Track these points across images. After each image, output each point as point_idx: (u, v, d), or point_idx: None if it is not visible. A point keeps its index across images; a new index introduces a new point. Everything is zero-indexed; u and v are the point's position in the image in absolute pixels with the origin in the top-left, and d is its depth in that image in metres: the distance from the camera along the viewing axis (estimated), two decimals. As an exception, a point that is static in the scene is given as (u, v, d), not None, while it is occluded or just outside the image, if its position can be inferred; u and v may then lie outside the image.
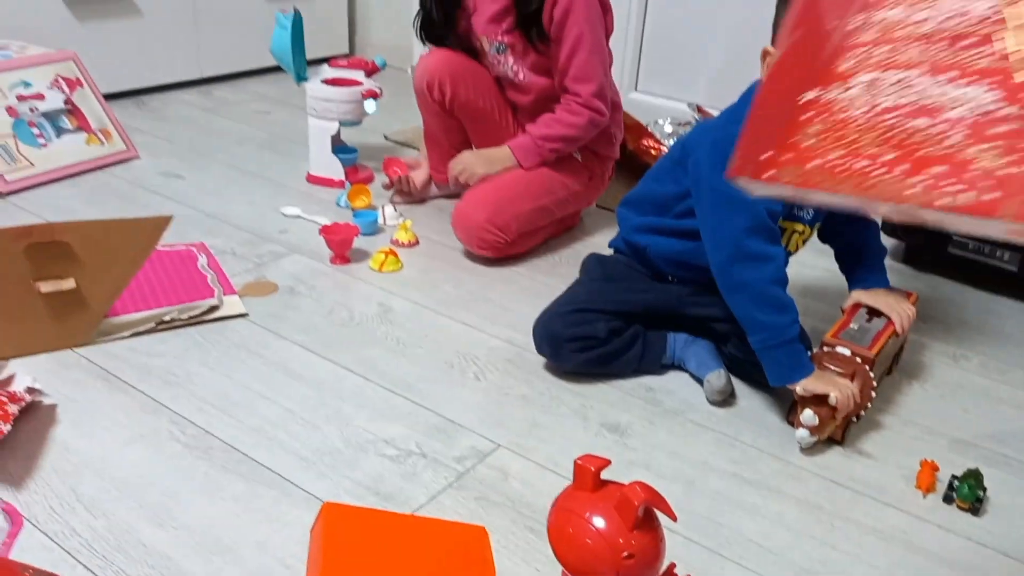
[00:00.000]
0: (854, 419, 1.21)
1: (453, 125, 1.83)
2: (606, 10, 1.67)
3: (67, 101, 1.97)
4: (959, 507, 1.10)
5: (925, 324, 1.57)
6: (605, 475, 0.79)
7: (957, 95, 0.46)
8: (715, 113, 2.23)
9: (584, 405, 1.27)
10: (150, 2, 2.44)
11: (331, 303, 1.50)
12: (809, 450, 1.20)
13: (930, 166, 0.46)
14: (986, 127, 0.46)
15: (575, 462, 0.77)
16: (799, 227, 1.31)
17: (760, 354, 1.20)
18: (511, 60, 1.71)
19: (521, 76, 1.72)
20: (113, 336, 1.33)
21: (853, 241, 1.38)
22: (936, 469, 1.14)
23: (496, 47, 1.71)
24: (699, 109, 2.19)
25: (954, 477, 1.13)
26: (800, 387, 1.17)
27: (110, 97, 2.25)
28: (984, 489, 1.11)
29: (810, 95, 0.51)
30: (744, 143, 0.55)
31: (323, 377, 1.29)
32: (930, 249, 1.72)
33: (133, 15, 2.41)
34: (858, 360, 1.20)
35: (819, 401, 1.16)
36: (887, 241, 1.84)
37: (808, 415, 1.16)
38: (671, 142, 2.04)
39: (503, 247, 1.64)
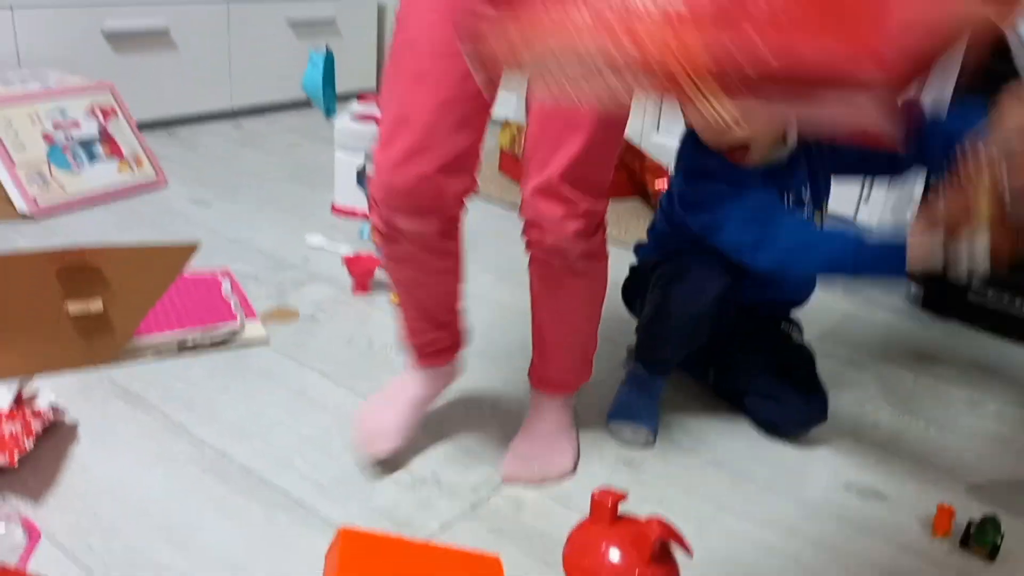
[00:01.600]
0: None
1: None
2: None
3: (101, 129, 2.02)
4: (976, 552, 1.10)
5: (942, 368, 1.56)
6: (622, 509, 0.80)
7: None
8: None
9: (600, 438, 1.27)
10: (186, 37, 2.51)
11: (351, 331, 1.52)
12: (825, 490, 1.20)
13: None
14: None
15: (592, 495, 0.78)
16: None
17: (871, 273, 1.15)
18: None
19: None
20: (137, 357, 1.36)
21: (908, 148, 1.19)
22: (952, 514, 1.14)
23: None
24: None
25: (971, 522, 1.12)
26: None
27: (143, 126, 2.30)
28: (1002, 536, 1.10)
29: None
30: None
31: (341, 404, 1.31)
32: (949, 296, 1.72)
33: (169, 48, 2.48)
34: None
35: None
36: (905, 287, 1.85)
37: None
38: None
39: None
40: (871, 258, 1.10)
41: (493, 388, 1.38)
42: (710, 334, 1.26)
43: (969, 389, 1.51)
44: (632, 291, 1.42)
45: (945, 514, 1.13)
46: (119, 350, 1.35)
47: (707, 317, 1.22)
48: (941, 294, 1.74)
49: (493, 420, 1.30)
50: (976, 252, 0.99)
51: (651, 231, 1.42)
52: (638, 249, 1.43)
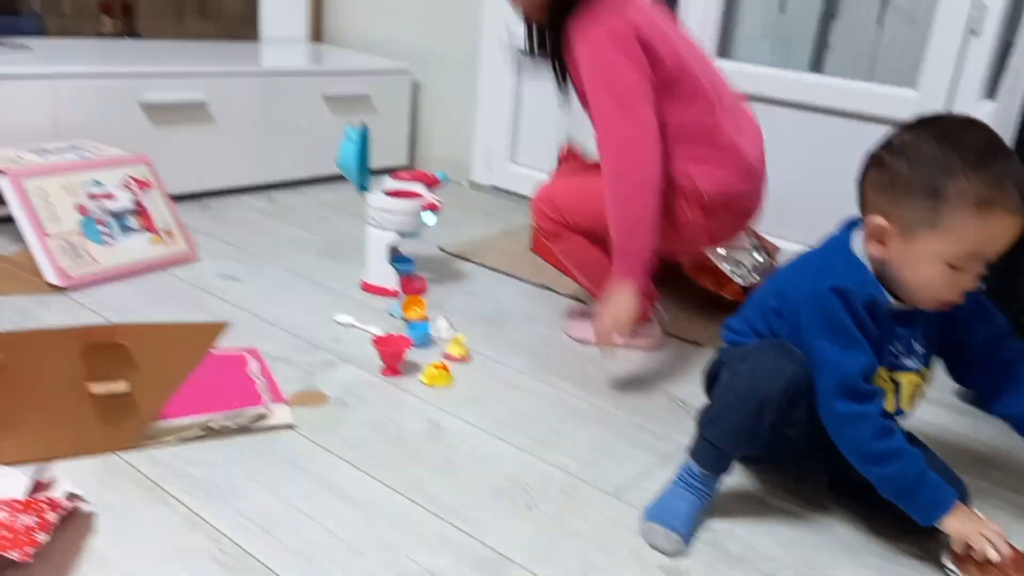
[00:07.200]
0: None
1: None
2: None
3: (136, 202, 2.02)
4: None
5: (998, 472, 1.47)
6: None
7: None
8: (776, 242, 2.20)
9: (641, 544, 1.20)
10: (223, 111, 2.53)
11: (380, 417, 1.46)
12: (886, 610, 1.11)
13: None
14: None
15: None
16: (908, 377, 1.23)
17: (897, 504, 1.18)
18: None
19: None
20: (159, 441, 1.31)
21: (994, 357, 1.27)
22: (1029, 642, 1.04)
23: None
24: (756, 236, 2.16)
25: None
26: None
27: (177, 198, 2.30)
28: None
29: None
30: None
31: (369, 497, 1.24)
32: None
33: (206, 121, 2.50)
34: None
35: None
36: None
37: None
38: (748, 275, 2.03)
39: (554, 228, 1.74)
40: (907, 498, 1.16)
41: (529, 485, 1.31)
42: (776, 440, 1.20)
43: (1031, 496, 1.42)
44: (712, 375, 1.33)
45: (1020, 641, 1.04)
46: (142, 434, 1.31)
47: (772, 404, 1.15)
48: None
49: (528, 520, 1.23)
50: None
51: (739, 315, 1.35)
52: (727, 328, 1.35)
